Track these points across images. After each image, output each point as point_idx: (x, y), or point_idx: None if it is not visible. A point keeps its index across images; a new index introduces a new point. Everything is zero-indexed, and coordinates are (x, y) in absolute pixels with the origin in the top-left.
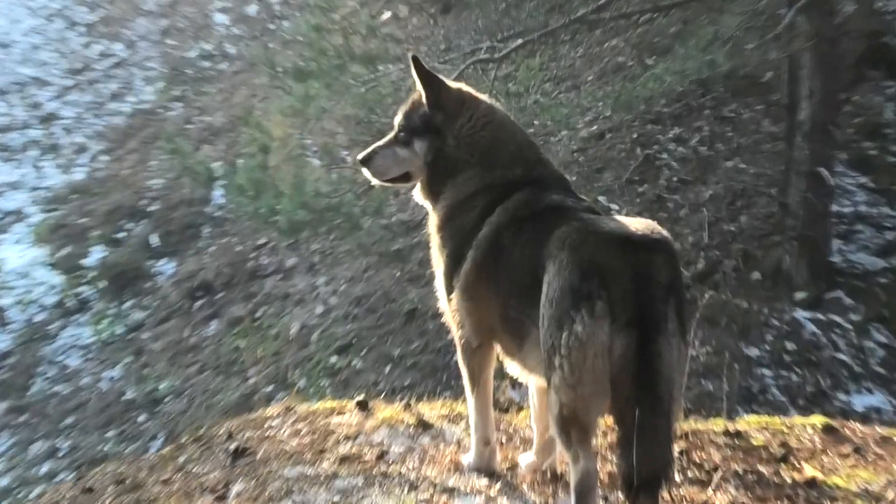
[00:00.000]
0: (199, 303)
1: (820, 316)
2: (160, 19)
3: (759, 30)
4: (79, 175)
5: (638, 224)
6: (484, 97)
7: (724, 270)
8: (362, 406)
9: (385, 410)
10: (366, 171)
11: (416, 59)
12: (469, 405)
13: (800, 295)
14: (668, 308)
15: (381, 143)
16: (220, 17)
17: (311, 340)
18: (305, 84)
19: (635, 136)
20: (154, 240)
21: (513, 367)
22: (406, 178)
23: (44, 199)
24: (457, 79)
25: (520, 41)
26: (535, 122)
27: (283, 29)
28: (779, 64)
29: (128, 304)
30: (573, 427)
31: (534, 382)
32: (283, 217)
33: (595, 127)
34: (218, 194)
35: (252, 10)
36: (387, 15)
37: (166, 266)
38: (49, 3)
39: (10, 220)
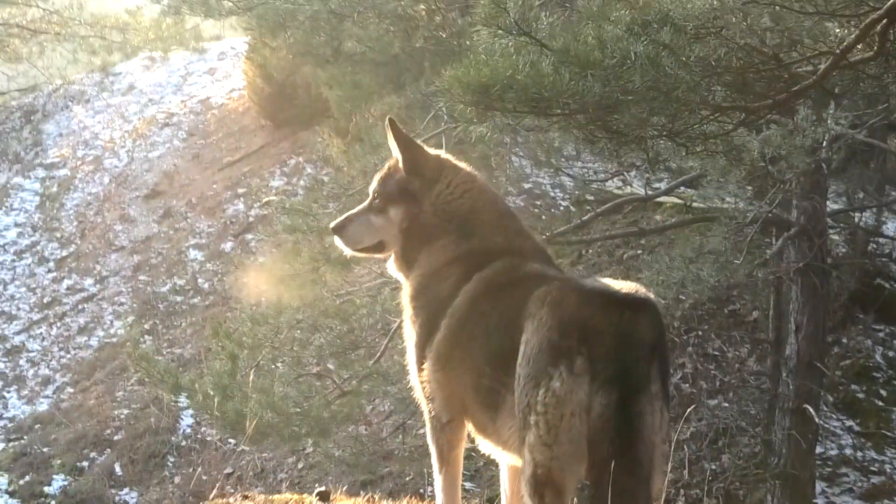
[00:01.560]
0: None
1: None
2: (133, 255)
3: (747, 250)
4: (43, 406)
5: (621, 284)
6: (464, 165)
7: None
8: (323, 497)
9: (347, 502)
10: (338, 241)
11: (392, 123)
12: (436, 486)
13: None
14: (651, 369)
15: (354, 210)
16: (195, 253)
17: None
18: (277, 290)
19: None
20: (117, 469)
21: (485, 444)
22: (380, 247)
23: (6, 429)
24: None
25: None
26: None
27: (257, 263)
28: (765, 302)
29: None
30: (547, 489)
31: (506, 465)
32: (250, 422)
33: None
34: (185, 423)
35: (228, 246)
36: None
37: (129, 495)
38: (19, 240)
39: None
